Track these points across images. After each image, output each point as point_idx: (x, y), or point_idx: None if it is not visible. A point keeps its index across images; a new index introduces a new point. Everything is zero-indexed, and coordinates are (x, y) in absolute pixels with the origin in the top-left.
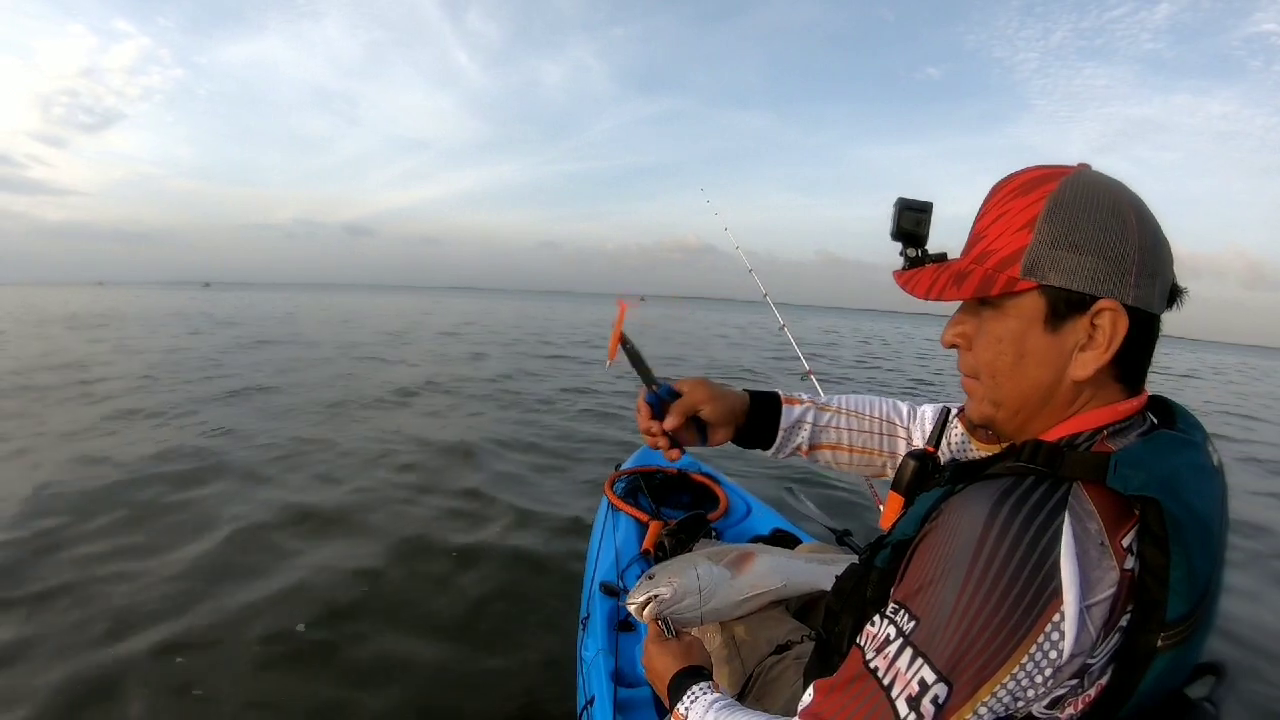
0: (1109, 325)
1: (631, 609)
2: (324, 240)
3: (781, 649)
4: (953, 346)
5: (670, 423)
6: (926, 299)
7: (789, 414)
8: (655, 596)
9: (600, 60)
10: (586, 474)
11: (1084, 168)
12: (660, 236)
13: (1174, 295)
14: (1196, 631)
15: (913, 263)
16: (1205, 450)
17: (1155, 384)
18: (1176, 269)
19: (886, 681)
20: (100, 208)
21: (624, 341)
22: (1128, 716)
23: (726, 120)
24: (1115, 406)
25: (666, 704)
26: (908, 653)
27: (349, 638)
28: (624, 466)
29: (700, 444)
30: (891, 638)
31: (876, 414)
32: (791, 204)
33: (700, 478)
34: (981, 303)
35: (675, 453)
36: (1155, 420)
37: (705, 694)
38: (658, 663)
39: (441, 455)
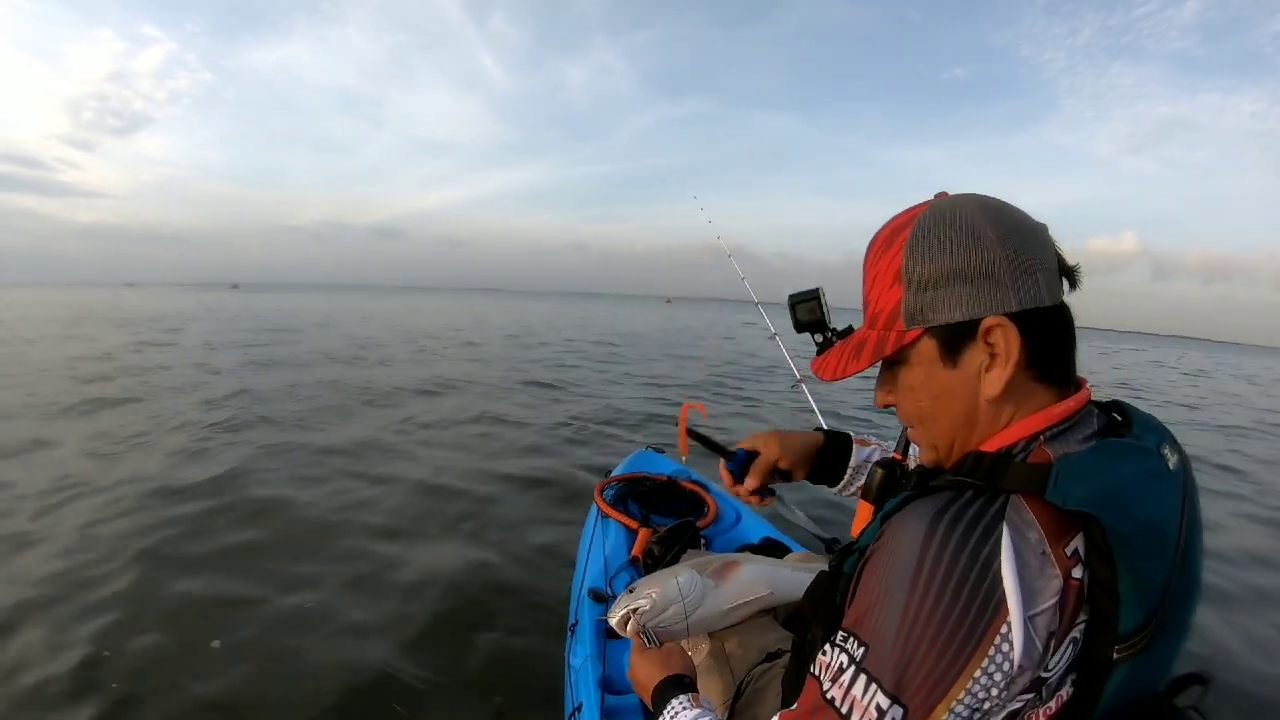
0: (1001, 340)
1: (613, 623)
2: (351, 242)
3: (772, 657)
4: (886, 407)
5: (751, 484)
6: (835, 380)
7: (859, 453)
8: (635, 610)
9: (625, 63)
10: (584, 479)
11: (941, 198)
12: (688, 238)
13: (1071, 276)
14: (1155, 640)
15: (823, 346)
16: (1159, 455)
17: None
18: (1208, 272)
19: (844, 710)
20: (129, 210)
21: (691, 435)
22: None
23: (754, 122)
24: (1050, 410)
25: (652, 714)
26: (861, 679)
27: (320, 643)
28: (613, 473)
29: (783, 481)
30: (845, 665)
31: None
32: (820, 206)
33: (690, 485)
34: (889, 362)
35: (770, 500)
36: (1118, 418)
37: (686, 710)
38: (640, 673)
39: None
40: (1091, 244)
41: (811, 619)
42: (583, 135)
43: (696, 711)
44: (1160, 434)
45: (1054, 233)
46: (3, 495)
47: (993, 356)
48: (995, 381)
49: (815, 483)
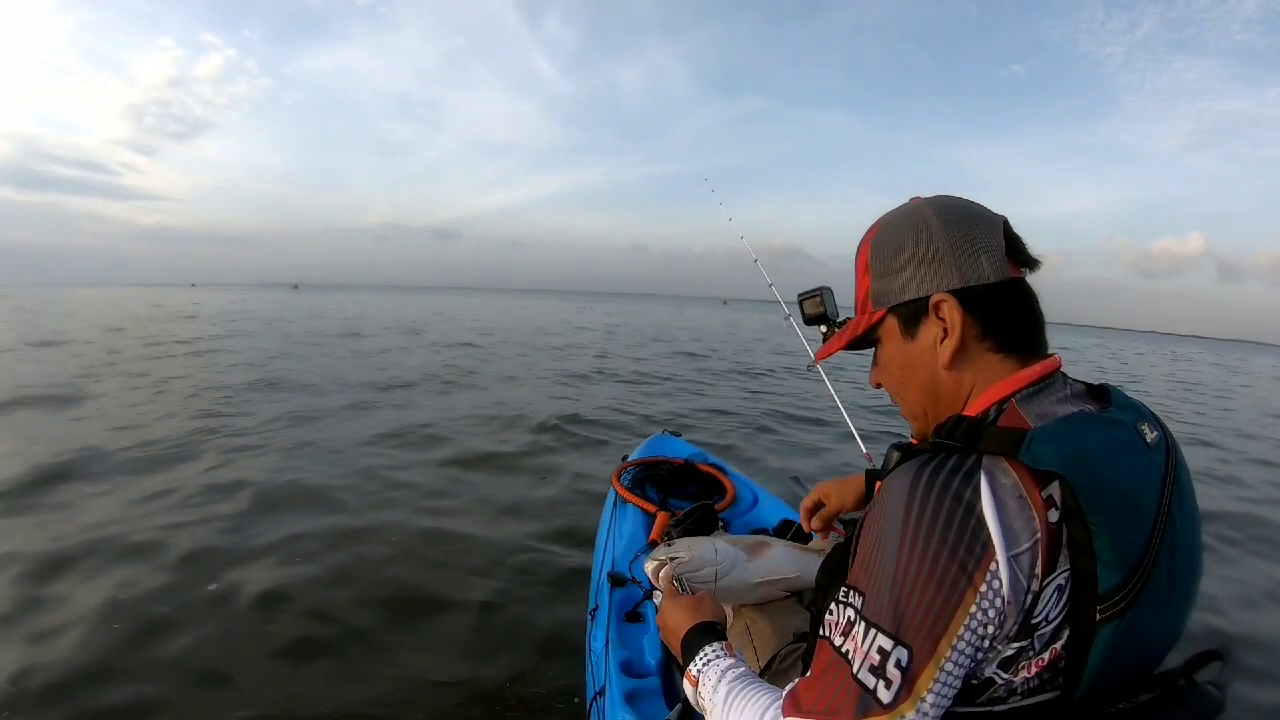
0: (947, 312)
1: (648, 570)
2: (411, 244)
3: (800, 638)
4: (878, 386)
5: (818, 526)
6: (823, 358)
7: None
8: (673, 559)
9: (679, 63)
10: (604, 461)
11: (913, 202)
12: (749, 239)
13: (1022, 257)
14: (1140, 604)
15: (827, 336)
16: (1133, 428)
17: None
18: (1278, 274)
19: (852, 660)
20: (191, 212)
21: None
22: (1094, 688)
23: (811, 121)
24: (1017, 375)
25: (680, 662)
26: (862, 626)
27: (350, 626)
28: (631, 458)
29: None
30: (850, 618)
31: None
32: (881, 205)
33: (707, 468)
34: (872, 343)
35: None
36: (1090, 395)
37: (719, 658)
38: (670, 619)
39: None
40: (1157, 245)
41: (829, 585)
42: (639, 136)
43: (730, 660)
44: (1138, 412)
45: (1120, 231)
46: None
47: (945, 329)
48: (945, 350)
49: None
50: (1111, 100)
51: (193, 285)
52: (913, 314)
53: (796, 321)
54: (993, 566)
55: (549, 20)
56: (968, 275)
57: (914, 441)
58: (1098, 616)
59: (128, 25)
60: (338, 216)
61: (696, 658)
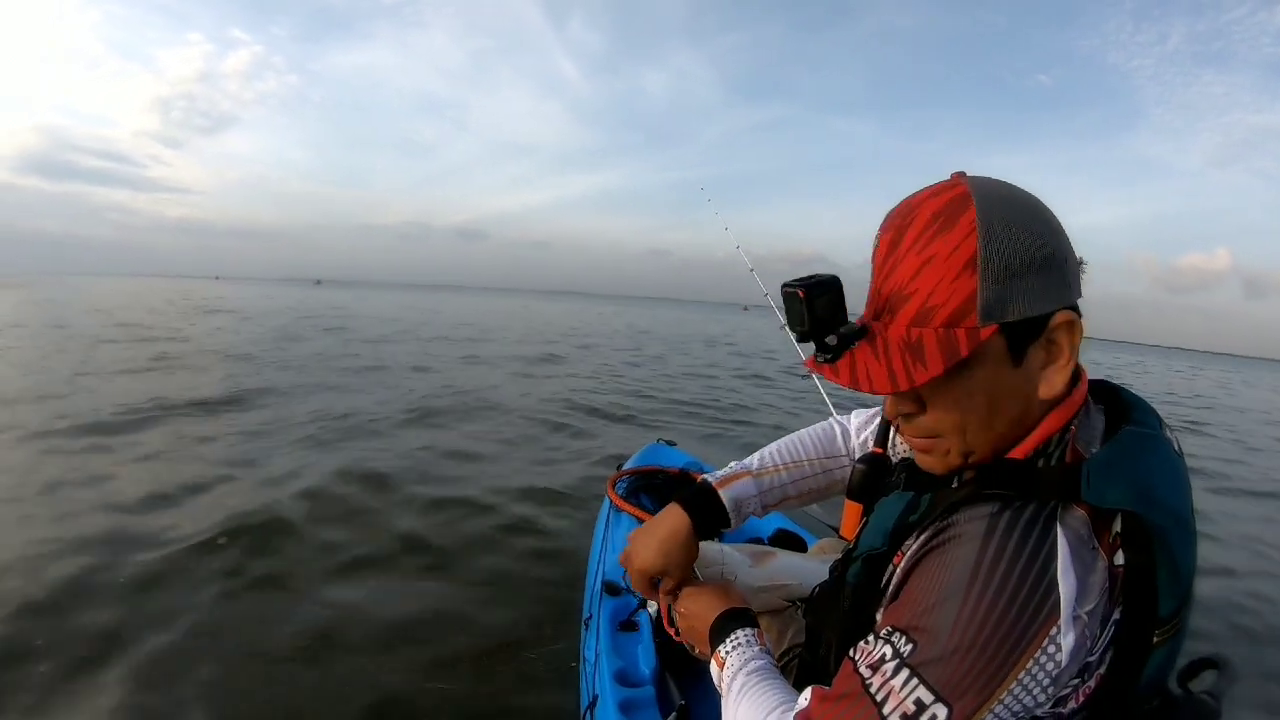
0: (1067, 336)
1: None
2: (435, 242)
3: (794, 648)
4: (905, 416)
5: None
6: (895, 391)
7: (728, 496)
8: None
9: (705, 68)
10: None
11: (959, 176)
12: (771, 246)
13: None
14: (1185, 621)
15: (836, 349)
16: (1166, 439)
17: None
18: None
19: (879, 698)
20: (216, 206)
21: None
22: (1127, 707)
23: (835, 128)
24: (1072, 399)
25: (708, 650)
26: (904, 673)
27: (343, 636)
28: (626, 466)
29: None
30: (887, 657)
31: (811, 454)
32: None
33: (702, 478)
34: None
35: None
36: (1098, 402)
37: (748, 644)
38: (696, 605)
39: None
40: (1184, 260)
41: (821, 628)
42: (664, 140)
43: (756, 650)
44: (1157, 415)
45: (1145, 244)
46: None
47: (1054, 354)
48: (1056, 380)
49: (707, 538)
50: (1139, 112)
51: (216, 278)
52: (1026, 333)
53: (791, 331)
54: (1052, 631)
55: (574, 23)
56: (1076, 288)
57: (877, 450)
58: (1155, 640)
59: (157, 20)
60: (361, 214)
61: (727, 640)
